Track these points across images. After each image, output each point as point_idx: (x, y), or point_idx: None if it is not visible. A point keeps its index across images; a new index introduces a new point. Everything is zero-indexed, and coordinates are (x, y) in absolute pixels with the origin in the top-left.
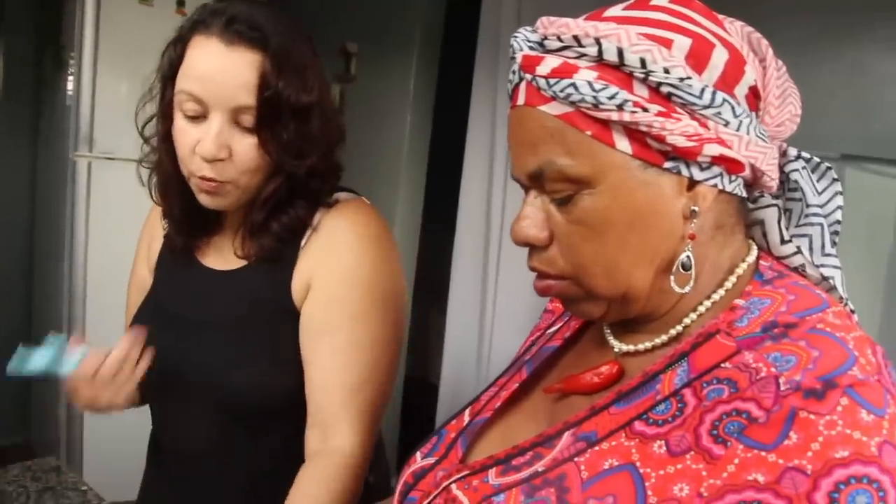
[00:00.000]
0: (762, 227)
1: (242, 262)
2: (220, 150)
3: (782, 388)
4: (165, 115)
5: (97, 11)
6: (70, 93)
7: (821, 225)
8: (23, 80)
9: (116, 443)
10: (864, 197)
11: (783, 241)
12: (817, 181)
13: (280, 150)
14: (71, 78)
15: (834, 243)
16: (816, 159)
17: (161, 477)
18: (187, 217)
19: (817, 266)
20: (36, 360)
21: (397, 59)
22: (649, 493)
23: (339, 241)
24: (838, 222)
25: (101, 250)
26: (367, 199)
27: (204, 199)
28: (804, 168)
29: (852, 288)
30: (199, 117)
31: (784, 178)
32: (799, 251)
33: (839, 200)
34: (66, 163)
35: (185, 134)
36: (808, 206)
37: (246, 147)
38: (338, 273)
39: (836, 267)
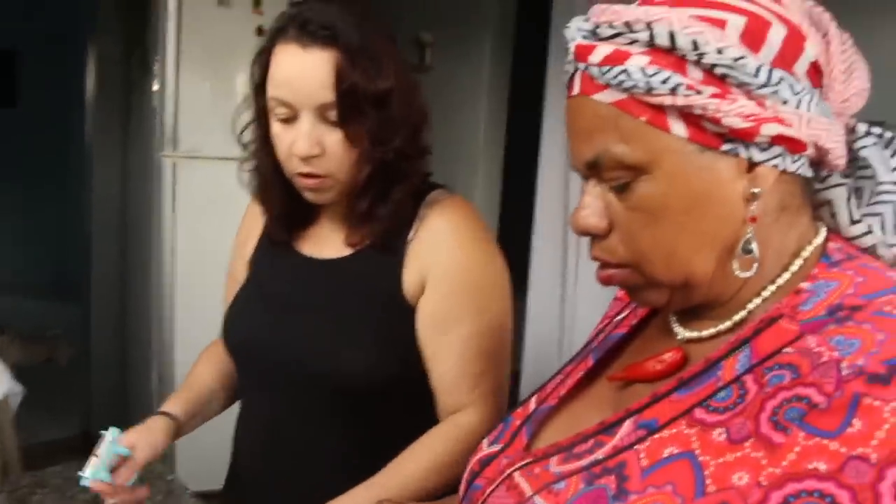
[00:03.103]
0: (831, 208)
1: (345, 251)
2: (312, 146)
3: (844, 372)
4: (260, 121)
5: (178, 15)
6: (155, 94)
7: (893, 202)
8: (114, 84)
9: (210, 432)
10: None
11: (853, 222)
12: (891, 157)
13: (366, 139)
14: (156, 80)
15: None
16: (889, 134)
17: (253, 464)
18: (287, 212)
19: (891, 246)
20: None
21: (471, 47)
22: (708, 481)
23: (447, 241)
24: None
25: (187, 245)
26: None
27: (309, 196)
28: (875, 144)
29: None
30: (290, 119)
31: (855, 155)
32: (870, 231)
33: None
34: (153, 162)
35: (281, 137)
36: (879, 183)
37: (336, 141)
38: (452, 271)
39: None
